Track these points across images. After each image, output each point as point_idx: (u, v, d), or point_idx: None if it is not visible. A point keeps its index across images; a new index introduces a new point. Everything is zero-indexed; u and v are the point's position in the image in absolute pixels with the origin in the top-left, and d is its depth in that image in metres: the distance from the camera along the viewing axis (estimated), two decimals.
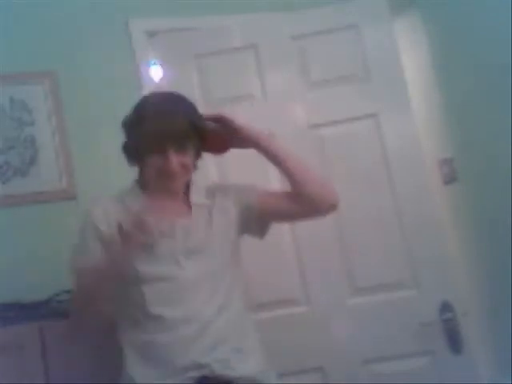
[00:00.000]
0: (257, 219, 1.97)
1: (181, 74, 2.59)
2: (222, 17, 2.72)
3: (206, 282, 1.85)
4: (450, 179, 2.79)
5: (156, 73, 2.65)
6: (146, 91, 2.60)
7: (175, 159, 1.83)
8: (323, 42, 2.57)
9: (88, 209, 1.91)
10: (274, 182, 2.51)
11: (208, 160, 2.45)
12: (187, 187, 1.97)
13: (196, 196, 1.96)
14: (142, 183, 1.94)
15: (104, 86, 2.61)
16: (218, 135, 1.94)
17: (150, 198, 1.90)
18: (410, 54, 2.75)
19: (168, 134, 1.82)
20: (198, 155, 1.94)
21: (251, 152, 2.51)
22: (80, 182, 2.52)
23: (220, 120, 1.93)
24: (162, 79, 2.62)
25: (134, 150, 1.89)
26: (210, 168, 2.48)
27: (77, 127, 2.57)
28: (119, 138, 1.94)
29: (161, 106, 1.86)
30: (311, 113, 2.56)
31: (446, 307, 2.41)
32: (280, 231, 2.47)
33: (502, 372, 2.52)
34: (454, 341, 2.39)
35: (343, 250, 2.48)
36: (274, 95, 2.58)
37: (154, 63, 2.67)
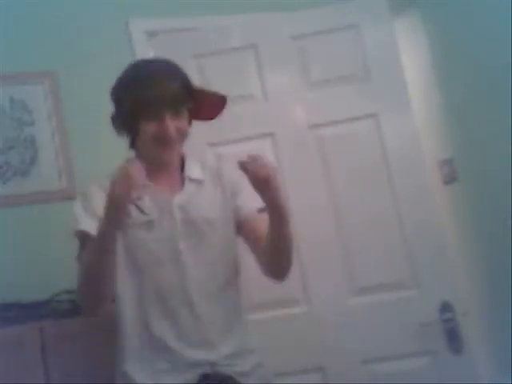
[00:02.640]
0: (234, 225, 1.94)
1: None
2: (221, 17, 2.72)
3: (205, 267, 1.84)
4: (450, 179, 2.79)
5: None
6: None
7: (171, 124, 1.80)
8: (323, 41, 2.57)
9: (89, 185, 1.91)
10: None
11: (208, 160, 2.47)
12: (182, 161, 1.94)
13: (191, 170, 1.92)
14: (136, 158, 1.90)
15: (104, 86, 2.60)
16: (208, 102, 1.90)
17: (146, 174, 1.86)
18: (410, 53, 2.75)
19: (164, 98, 1.78)
20: (189, 122, 1.89)
21: (251, 152, 2.51)
22: (80, 182, 2.52)
23: (260, 177, 1.70)
24: None
25: (127, 118, 1.84)
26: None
27: (77, 127, 2.57)
28: (119, 138, 1.93)
29: (153, 71, 1.83)
30: (311, 113, 2.56)
31: (445, 307, 2.41)
32: None
33: (502, 372, 2.52)
34: (454, 341, 2.39)
35: (343, 250, 2.47)
36: (274, 95, 2.58)
37: None
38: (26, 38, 2.57)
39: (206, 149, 2.47)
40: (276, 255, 1.82)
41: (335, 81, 2.57)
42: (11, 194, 2.47)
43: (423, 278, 2.44)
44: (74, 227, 1.83)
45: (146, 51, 2.68)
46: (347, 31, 2.58)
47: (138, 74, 1.84)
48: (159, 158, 1.86)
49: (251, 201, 1.87)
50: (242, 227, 1.93)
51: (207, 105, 1.90)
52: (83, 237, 1.80)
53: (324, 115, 2.55)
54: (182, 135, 1.85)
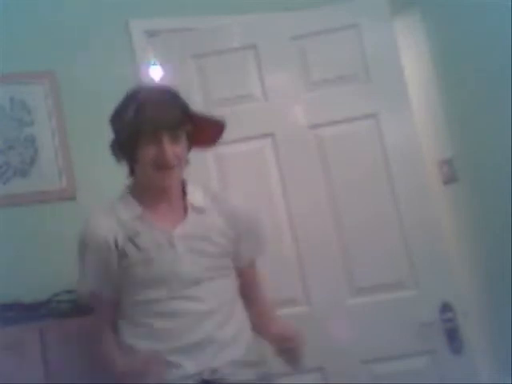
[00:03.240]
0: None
1: (181, 74, 2.59)
2: (221, 17, 2.72)
3: (208, 284, 1.84)
4: (449, 179, 2.79)
5: (156, 73, 2.65)
6: None
7: (170, 148, 1.79)
8: (323, 41, 2.57)
9: (83, 229, 1.88)
10: (274, 182, 2.52)
11: (208, 160, 2.47)
12: (183, 187, 1.93)
13: (194, 197, 1.91)
14: (134, 187, 1.91)
15: (104, 86, 2.61)
16: (206, 128, 1.90)
17: (143, 205, 1.87)
18: (410, 53, 2.75)
19: (162, 121, 1.78)
20: (188, 148, 1.89)
21: (251, 153, 2.51)
22: (80, 182, 2.52)
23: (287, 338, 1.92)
24: (161, 79, 2.62)
25: (125, 143, 1.84)
26: (210, 167, 2.49)
27: (77, 127, 2.57)
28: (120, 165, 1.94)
29: (151, 96, 1.83)
30: (311, 113, 2.56)
31: (446, 307, 2.41)
32: (280, 231, 2.48)
33: (502, 372, 2.52)
34: (454, 341, 2.39)
35: (343, 250, 2.47)
36: (274, 95, 2.58)
37: (154, 63, 2.67)
38: (26, 38, 2.57)
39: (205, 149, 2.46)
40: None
41: (335, 81, 2.56)
42: (11, 193, 2.46)
43: (423, 278, 2.44)
44: (82, 286, 1.90)
45: (145, 51, 2.68)
46: (347, 31, 2.58)
47: (136, 99, 1.83)
48: (158, 184, 1.85)
49: (251, 249, 1.96)
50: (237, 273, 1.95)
51: (205, 130, 1.90)
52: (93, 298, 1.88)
53: (324, 115, 2.55)
54: (181, 160, 1.85)
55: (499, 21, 2.47)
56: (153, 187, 1.86)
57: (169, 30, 2.70)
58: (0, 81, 2.51)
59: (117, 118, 1.87)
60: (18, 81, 2.56)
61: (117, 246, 1.81)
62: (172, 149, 1.80)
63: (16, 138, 2.52)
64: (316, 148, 2.54)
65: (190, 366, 1.78)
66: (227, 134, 2.47)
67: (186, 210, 1.89)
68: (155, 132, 1.79)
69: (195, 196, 1.91)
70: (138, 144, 1.81)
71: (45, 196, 2.50)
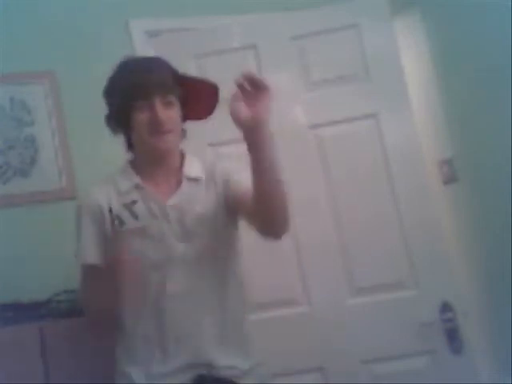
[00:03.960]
0: (230, 208, 1.90)
1: None
2: (221, 17, 2.72)
3: (198, 267, 1.83)
4: (449, 179, 2.79)
5: None
6: None
7: (162, 111, 1.80)
8: (323, 42, 2.57)
9: (80, 201, 1.93)
10: None
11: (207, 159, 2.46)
12: (182, 159, 1.92)
13: (190, 169, 1.91)
14: (134, 160, 1.92)
15: (104, 86, 2.60)
16: (200, 93, 1.90)
17: (142, 176, 1.88)
18: (410, 53, 2.75)
19: (152, 84, 1.80)
20: (182, 118, 1.89)
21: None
22: (80, 182, 2.52)
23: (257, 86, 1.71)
24: None
25: (119, 112, 1.86)
26: None
27: (77, 127, 2.57)
28: (119, 138, 1.93)
29: (140, 63, 1.88)
30: (311, 113, 2.56)
31: (446, 307, 2.41)
32: None
33: (502, 372, 2.52)
34: (454, 341, 2.39)
35: (343, 249, 2.48)
36: (274, 95, 2.57)
37: None
38: (26, 37, 2.57)
39: (206, 149, 2.46)
40: (265, 207, 1.72)
41: (335, 81, 2.57)
42: (11, 193, 2.47)
43: (423, 278, 2.44)
44: (80, 258, 1.86)
45: (145, 51, 2.68)
46: (347, 31, 2.58)
47: (126, 68, 1.87)
48: (154, 149, 1.85)
49: (242, 182, 1.86)
50: (235, 202, 1.87)
51: (199, 96, 1.90)
52: (88, 269, 1.84)
53: (324, 115, 2.55)
54: (175, 124, 1.85)
55: (499, 21, 2.47)
56: (149, 155, 1.87)
57: (169, 30, 2.70)
58: (0, 81, 2.51)
59: (109, 89, 1.90)
60: (18, 81, 2.56)
61: (111, 211, 1.82)
62: (165, 113, 1.81)
63: (16, 137, 2.52)
64: (316, 148, 2.54)
65: (185, 357, 1.79)
66: (227, 134, 2.48)
67: (180, 180, 1.89)
68: (147, 96, 1.80)
69: (192, 167, 1.91)
70: (130, 110, 1.82)
71: (45, 196, 2.50)
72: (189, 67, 2.59)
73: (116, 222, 1.81)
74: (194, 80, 1.92)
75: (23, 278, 2.34)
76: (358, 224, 2.48)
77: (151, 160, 1.88)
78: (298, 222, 2.48)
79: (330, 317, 2.43)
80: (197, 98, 1.90)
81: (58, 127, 2.57)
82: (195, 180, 1.90)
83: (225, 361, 1.81)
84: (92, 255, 1.82)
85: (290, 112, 2.57)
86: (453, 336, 2.39)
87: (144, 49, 2.68)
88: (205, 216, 1.86)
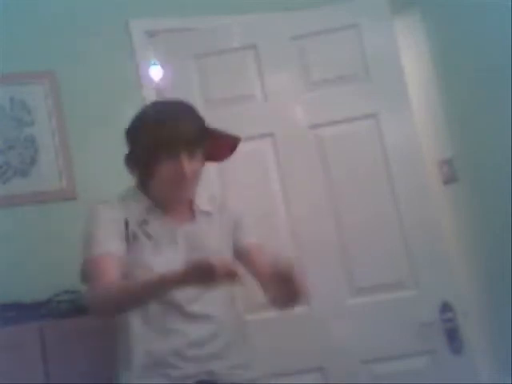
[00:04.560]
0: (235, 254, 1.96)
1: (181, 74, 2.59)
2: (221, 17, 2.71)
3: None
4: (449, 179, 2.79)
5: (156, 73, 2.66)
6: (145, 91, 2.60)
7: (188, 166, 1.81)
8: (323, 42, 2.57)
9: (93, 208, 1.87)
10: (274, 182, 2.52)
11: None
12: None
13: (199, 201, 1.95)
14: (144, 187, 1.91)
15: (104, 86, 2.61)
16: (221, 142, 1.93)
17: (155, 201, 1.89)
18: (410, 53, 2.75)
19: (181, 139, 1.79)
20: (203, 162, 1.91)
21: (251, 153, 2.51)
22: (80, 182, 2.52)
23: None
24: (161, 79, 2.62)
25: (143, 159, 1.84)
26: (210, 167, 2.48)
27: (77, 127, 2.57)
28: (119, 138, 1.93)
29: (170, 112, 1.85)
30: (311, 113, 2.56)
31: (446, 307, 2.41)
32: (280, 231, 2.48)
33: (502, 372, 2.52)
34: (454, 341, 2.39)
35: (343, 250, 2.48)
36: (274, 95, 2.58)
37: (154, 63, 2.67)
38: (26, 38, 2.57)
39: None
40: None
41: (335, 81, 2.57)
42: (11, 194, 2.46)
43: (423, 278, 2.44)
44: (94, 250, 1.80)
45: (145, 51, 2.68)
46: (347, 31, 2.58)
47: (155, 115, 1.85)
48: (174, 199, 1.88)
49: (251, 234, 1.96)
50: (241, 257, 1.94)
51: (221, 145, 1.93)
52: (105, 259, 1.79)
53: (324, 115, 2.55)
54: (197, 176, 1.87)
55: (499, 21, 2.47)
56: (167, 200, 1.89)
57: (169, 30, 2.70)
58: (0, 81, 2.51)
59: (134, 132, 1.87)
60: (18, 81, 2.56)
61: (127, 226, 1.82)
62: (190, 166, 1.82)
63: (16, 138, 2.52)
64: (316, 148, 2.54)
65: (188, 367, 1.78)
66: None
67: (193, 212, 1.93)
68: (174, 149, 1.80)
69: (202, 201, 1.95)
70: (155, 160, 1.81)
71: (45, 196, 2.50)
72: (189, 67, 2.60)
73: (130, 237, 1.82)
74: (219, 134, 1.92)
75: (23, 278, 2.34)
76: (357, 224, 2.48)
77: (167, 202, 1.89)
78: (298, 222, 2.49)
79: (330, 317, 2.43)
80: (219, 147, 1.93)
81: (58, 127, 2.56)
82: (207, 213, 1.94)
83: (226, 369, 1.82)
84: (115, 245, 1.79)
85: (289, 112, 2.57)
86: (453, 336, 2.39)
87: (144, 49, 2.69)
88: (214, 248, 1.88)
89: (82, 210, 1.95)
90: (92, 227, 1.83)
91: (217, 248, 1.89)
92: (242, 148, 2.48)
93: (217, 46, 2.60)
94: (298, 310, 2.44)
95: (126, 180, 1.97)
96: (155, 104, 1.94)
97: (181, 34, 2.68)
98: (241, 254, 1.95)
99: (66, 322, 2.14)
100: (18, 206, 2.46)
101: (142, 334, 1.81)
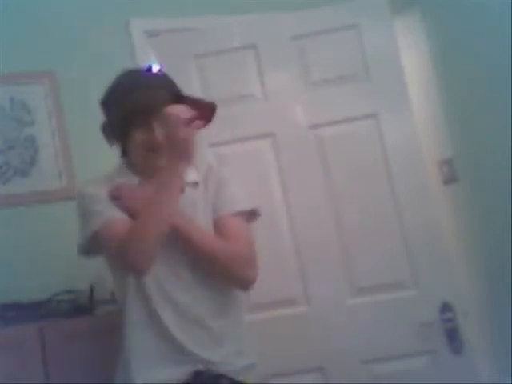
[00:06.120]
0: None
1: (181, 74, 2.59)
2: (221, 17, 2.72)
3: (197, 267, 1.82)
4: (449, 179, 2.79)
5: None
6: None
7: (160, 132, 1.80)
8: (323, 42, 2.57)
9: (80, 187, 1.92)
10: (274, 182, 2.52)
11: (208, 160, 2.47)
12: None
13: (188, 172, 1.89)
14: (130, 164, 1.92)
15: (104, 85, 2.60)
16: (197, 109, 1.87)
17: (141, 178, 1.88)
18: (410, 53, 2.75)
19: (151, 105, 1.79)
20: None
21: (251, 153, 2.51)
22: (80, 182, 2.52)
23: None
24: None
25: (116, 126, 1.86)
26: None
27: (77, 127, 2.57)
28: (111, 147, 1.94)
29: (141, 79, 1.86)
30: (311, 113, 2.56)
31: (446, 307, 2.41)
32: (280, 231, 2.48)
33: (502, 372, 2.52)
34: (454, 341, 2.39)
35: (343, 250, 2.47)
36: (274, 95, 2.58)
37: (154, 63, 2.66)
38: (26, 38, 2.57)
39: (206, 149, 2.46)
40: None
41: (335, 81, 2.56)
42: (11, 193, 2.47)
43: (423, 278, 2.44)
44: (97, 220, 1.80)
45: (145, 51, 2.68)
46: (347, 31, 2.58)
47: (126, 82, 1.86)
48: (151, 165, 1.86)
49: (231, 201, 1.89)
50: (216, 232, 1.88)
51: (198, 112, 1.87)
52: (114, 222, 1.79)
53: (324, 115, 2.55)
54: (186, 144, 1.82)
55: (499, 21, 2.47)
56: (144, 167, 1.88)
57: (169, 30, 2.70)
58: (0, 81, 2.51)
59: (107, 102, 1.90)
60: (18, 81, 2.56)
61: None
62: (162, 132, 1.80)
63: (16, 137, 2.52)
64: (316, 148, 2.54)
65: (185, 360, 1.78)
66: (227, 134, 2.48)
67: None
68: (145, 115, 1.80)
69: (190, 171, 1.90)
70: (128, 127, 1.83)
71: (45, 196, 2.50)
72: (189, 67, 2.60)
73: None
74: (193, 100, 1.89)
75: (23, 278, 2.34)
76: (357, 224, 2.48)
77: (145, 170, 1.89)
78: (298, 222, 2.49)
79: (330, 317, 2.43)
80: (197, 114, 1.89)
81: (58, 127, 2.57)
82: (194, 184, 1.91)
83: (222, 358, 1.81)
84: (118, 212, 1.80)
85: (289, 112, 2.57)
86: (453, 336, 2.39)
87: (144, 49, 2.69)
88: (204, 220, 1.87)
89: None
90: (87, 204, 1.85)
91: (203, 223, 1.86)
92: (242, 148, 2.50)
93: (217, 45, 2.60)
94: (298, 309, 2.46)
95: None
96: (128, 72, 1.92)
97: (181, 34, 2.68)
98: (215, 229, 1.88)
99: (65, 322, 2.14)
100: (18, 206, 2.46)
101: (140, 330, 1.81)
